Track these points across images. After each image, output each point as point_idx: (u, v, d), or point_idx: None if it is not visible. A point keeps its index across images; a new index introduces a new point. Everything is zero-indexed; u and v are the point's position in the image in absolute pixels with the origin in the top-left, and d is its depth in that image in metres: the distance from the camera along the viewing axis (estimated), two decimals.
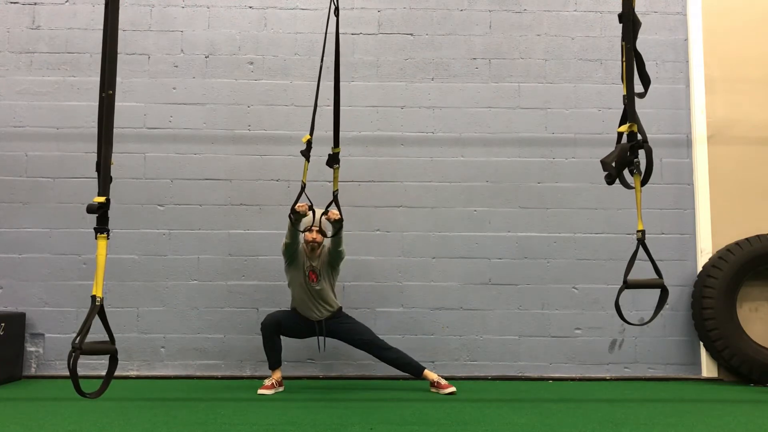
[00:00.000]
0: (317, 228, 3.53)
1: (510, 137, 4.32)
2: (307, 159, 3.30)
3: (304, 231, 3.56)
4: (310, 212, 3.40)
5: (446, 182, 4.28)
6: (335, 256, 3.62)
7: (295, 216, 3.42)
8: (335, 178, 3.38)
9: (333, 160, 3.35)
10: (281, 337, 3.65)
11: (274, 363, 3.62)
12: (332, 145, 3.41)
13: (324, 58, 3.60)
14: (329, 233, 3.59)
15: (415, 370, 3.62)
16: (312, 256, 3.64)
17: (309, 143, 3.30)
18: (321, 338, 3.67)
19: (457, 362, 4.12)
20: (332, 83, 3.51)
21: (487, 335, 4.17)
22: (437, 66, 4.38)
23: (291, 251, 3.61)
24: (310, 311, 3.64)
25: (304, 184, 3.25)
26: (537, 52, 4.40)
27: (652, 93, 2.57)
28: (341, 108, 3.51)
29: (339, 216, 3.41)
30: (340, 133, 3.48)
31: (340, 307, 3.73)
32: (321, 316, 3.64)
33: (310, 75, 4.32)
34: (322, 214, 3.48)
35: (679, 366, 4.17)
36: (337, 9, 3.45)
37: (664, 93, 4.34)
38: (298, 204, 3.36)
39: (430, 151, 4.29)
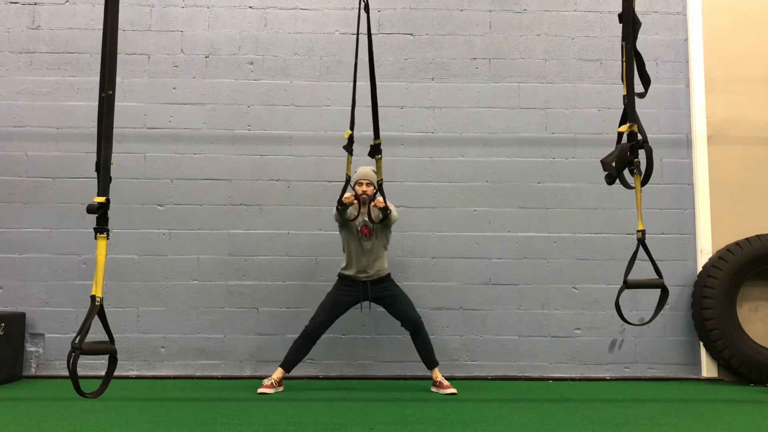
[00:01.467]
0: (366, 181, 3.61)
1: (510, 137, 4.32)
2: (350, 153, 3.44)
3: (353, 219, 3.63)
4: (356, 201, 3.55)
5: (446, 182, 4.28)
6: (387, 221, 3.65)
7: (342, 207, 3.54)
8: (378, 168, 3.47)
9: (375, 151, 3.44)
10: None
11: (289, 366, 3.62)
12: (373, 137, 3.47)
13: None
14: (377, 219, 3.62)
15: (430, 362, 3.65)
16: (364, 212, 3.66)
17: (351, 138, 3.43)
18: (365, 297, 3.67)
19: (457, 362, 4.12)
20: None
21: (487, 335, 4.16)
22: (437, 66, 4.37)
23: (342, 218, 3.66)
24: (359, 270, 3.65)
25: (349, 177, 3.43)
26: (537, 52, 4.40)
27: (652, 93, 2.57)
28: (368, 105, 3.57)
29: (385, 204, 3.50)
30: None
31: (389, 273, 3.75)
32: (369, 276, 3.65)
33: (310, 75, 4.32)
34: (371, 200, 3.57)
35: (679, 366, 4.17)
36: (367, 6, 3.45)
37: (664, 93, 4.34)
38: (344, 196, 3.49)
39: (430, 151, 4.29)
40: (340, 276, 3.73)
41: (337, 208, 3.54)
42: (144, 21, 4.33)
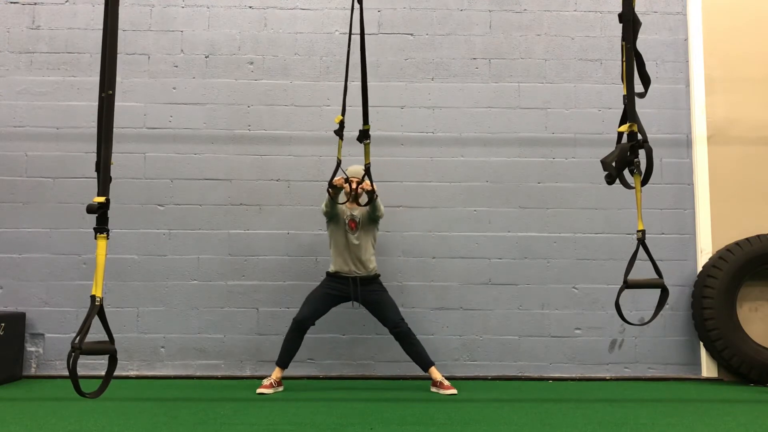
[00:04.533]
0: (356, 179, 3.60)
1: (510, 137, 4.32)
2: (341, 137, 3.42)
3: (343, 203, 3.70)
4: (346, 185, 3.53)
5: (446, 182, 4.28)
6: (373, 214, 3.69)
7: (334, 190, 3.55)
8: (366, 152, 3.34)
9: (363, 136, 3.38)
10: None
11: (284, 362, 3.63)
12: (362, 122, 3.38)
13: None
14: (363, 203, 3.64)
15: (423, 364, 3.64)
16: (352, 208, 3.74)
17: (341, 123, 3.42)
18: (355, 297, 3.68)
19: (457, 362, 4.11)
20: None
21: (487, 335, 4.16)
22: (437, 66, 4.37)
23: (331, 212, 3.70)
24: (347, 265, 3.69)
25: (340, 161, 3.40)
26: (537, 52, 4.40)
27: (652, 93, 2.57)
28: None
29: (371, 188, 3.48)
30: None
31: (378, 275, 3.77)
32: (357, 273, 3.69)
33: (310, 75, 4.32)
34: (358, 183, 3.53)
35: (679, 366, 4.17)
36: None
37: (664, 93, 4.34)
38: (335, 179, 3.48)
39: (430, 151, 4.29)
40: (328, 274, 3.76)
41: (328, 191, 3.55)
42: (144, 21, 4.33)
